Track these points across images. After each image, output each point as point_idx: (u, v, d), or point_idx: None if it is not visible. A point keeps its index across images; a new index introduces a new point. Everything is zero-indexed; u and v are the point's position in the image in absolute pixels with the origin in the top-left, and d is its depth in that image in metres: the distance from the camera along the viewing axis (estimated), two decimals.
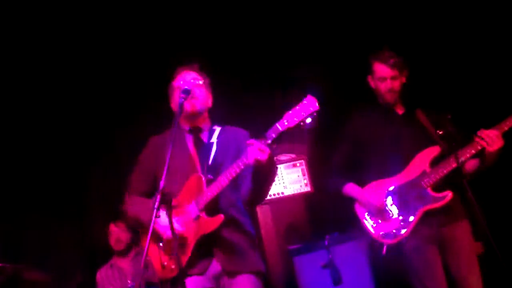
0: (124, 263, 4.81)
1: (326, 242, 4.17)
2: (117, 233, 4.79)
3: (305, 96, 2.62)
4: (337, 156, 3.65)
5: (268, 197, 4.57)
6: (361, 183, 3.53)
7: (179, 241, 2.77)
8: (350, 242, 4.19)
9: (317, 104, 2.59)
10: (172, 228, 2.52)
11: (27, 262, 4.40)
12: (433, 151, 3.38)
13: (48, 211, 4.97)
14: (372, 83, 3.59)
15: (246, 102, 4.87)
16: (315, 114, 2.59)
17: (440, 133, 3.29)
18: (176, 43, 4.87)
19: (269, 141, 2.62)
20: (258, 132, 2.71)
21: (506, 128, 3.20)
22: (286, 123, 2.60)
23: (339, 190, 3.59)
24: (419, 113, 3.50)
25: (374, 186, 3.47)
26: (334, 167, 3.64)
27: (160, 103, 3.26)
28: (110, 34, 4.90)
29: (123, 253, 4.82)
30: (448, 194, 3.28)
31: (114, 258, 4.86)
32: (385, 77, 3.48)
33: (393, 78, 3.47)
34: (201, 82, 3.05)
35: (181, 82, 3.03)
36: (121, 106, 5.11)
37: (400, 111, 3.58)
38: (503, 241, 3.12)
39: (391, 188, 3.42)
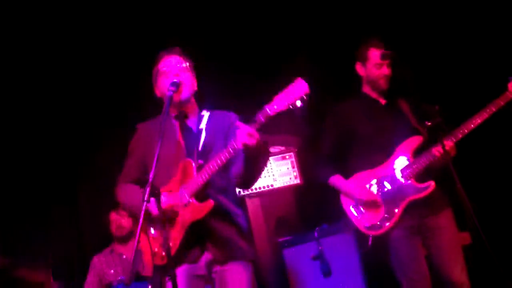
0: (124, 250, 4.79)
1: (316, 234, 4.19)
2: (119, 220, 4.77)
3: (295, 78, 2.56)
4: (324, 147, 3.64)
5: (258, 190, 4.60)
6: (347, 173, 3.54)
7: (169, 226, 2.78)
8: (339, 234, 4.19)
9: (307, 87, 2.53)
10: (163, 221, 2.52)
11: (21, 260, 4.39)
12: (416, 140, 3.39)
13: (40, 207, 4.95)
14: (362, 70, 3.59)
15: (237, 86, 4.85)
16: (305, 97, 2.53)
17: (429, 124, 3.30)
18: (164, 37, 4.83)
19: (258, 125, 2.59)
20: (251, 116, 2.67)
21: (487, 116, 3.27)
22: (275, 107, 2.54)
23: (326, 181, 3.60)
24: (401, 103, 3.52)
25: (358, 178, 3.48)
26: (321, 158, 3.64)
27: (147, 93, 3.24)
28: (98, 33, 4.88)
29: (125, 239, 4.79)
30: (431, 184, 3.29)
31: (113, 244, 4.84)
32: (382, 63, 3.49)
33: (388, 65, 3.50)
34: (185, 65, 3.02)
35: (165, 69, 3.00)
36: (110, 101, 5.09)
37: (382, 101, 3.59)
38: (491, 231, 3.14)
39: (374, 180, 3.43)
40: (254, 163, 2.79)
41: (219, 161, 2.71)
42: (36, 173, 5.04)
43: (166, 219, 2.78)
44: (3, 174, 4.91)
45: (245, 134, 2.57)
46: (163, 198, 2.73)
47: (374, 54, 3.51)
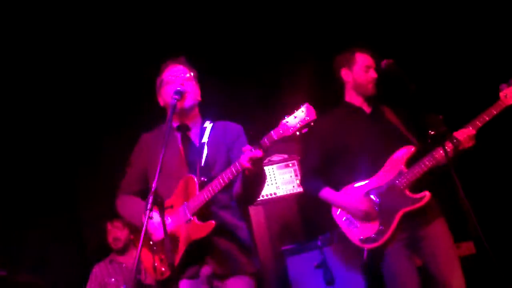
0: (124, 259, 4.79)
1: (319, 243, 4.17)
2: (114, 232, 4.78)
3: (302, 103, 2.54)
4: (309, 162, 3.53)
5: (261, 198, 4.59)
6: (335, 185, 3.44)
7: (171, 241, 2.75)
8: (342, 242, 4.18)
9: (314, 113, 2.52)
10: (165, 229, 2.52)
11: (21, 267, 4.39)
12: (408, 150, 3.32)
13: (40, 216, 4.95)
14: (348, 75, 3.51)
15: (241, 98, 4.85)
16: (312, 124, 2.52)
17: (432, 133, 3.26)
18: (166, 47, 4.85)
19: (264, 149, 2.58)
20: (253, 128, 2.66)
21: (480, 125, 3.22)
22: (281, 132, 2.53)
23: (316, 194, 3.48)
24: (387, 111, 3.46)
25: (349, 190, 3.38)
26: (308, 171, 3.54)
27: (148, 102, 3.24)
28: (98, 40, 4.89)
29: (122, 251, 4.80)
30: (426, 195, 3.23)
31: (112, 254, 4.84)
32: (370, 65, 3.44)
33: (375, 69, 3.45)
34: (189, 75, 3.03)
35: (170, 78, 3.01)
36: (109, 108, 5.10)
37: (367, 109, 3.51)
38: (495, 240, 3.12)
39: (367, 192, 3.34)
40: (254, 184, 2.81)
41: (222, 182, 2.70)
42: (36, 181, 5.04)
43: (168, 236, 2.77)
44: (3, 184, 4.91)
45: (251, 159, 2.56)
46: (168, 220, 2.73)
47: (362, 57, 3.46)
